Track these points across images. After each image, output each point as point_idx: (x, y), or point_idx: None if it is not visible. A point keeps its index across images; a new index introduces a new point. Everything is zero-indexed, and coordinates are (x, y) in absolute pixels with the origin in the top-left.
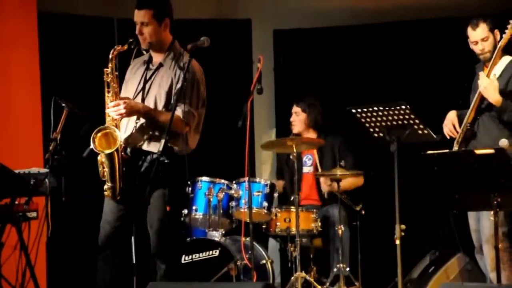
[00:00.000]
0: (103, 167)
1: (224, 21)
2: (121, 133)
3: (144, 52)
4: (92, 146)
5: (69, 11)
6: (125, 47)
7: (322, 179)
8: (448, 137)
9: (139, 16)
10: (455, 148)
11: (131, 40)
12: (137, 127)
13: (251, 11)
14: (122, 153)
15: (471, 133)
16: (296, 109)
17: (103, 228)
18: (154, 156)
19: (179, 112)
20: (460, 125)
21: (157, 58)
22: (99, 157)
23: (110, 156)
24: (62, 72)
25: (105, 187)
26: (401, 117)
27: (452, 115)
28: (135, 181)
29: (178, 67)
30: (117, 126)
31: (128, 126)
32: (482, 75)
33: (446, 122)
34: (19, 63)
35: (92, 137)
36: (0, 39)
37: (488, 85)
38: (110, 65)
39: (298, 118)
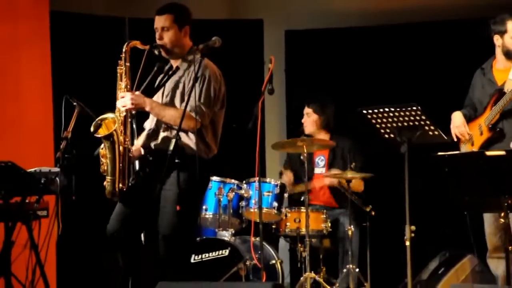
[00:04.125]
0: (104, 160)
1: (236, 22)
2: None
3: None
4: (92, 130)
5: (81, 11)
6: (147, 46)
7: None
8: (456, 140)
9: (160, 21)
10: (469, 150)
11: (155, 44)
12: (157, 127)
13: (263, 11)
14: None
15: (498, 135)
16: (307, 110)
17: (108, 225)
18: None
19: (188, 108)
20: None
21: (174, 64)
22: (101, 151)
23: (111, 144)
24: (73, 71)
25: (105, 182)
26: (412, 118)
27: (462, 117)
28: (152, 183)
29: (192, 67)
30: (125, 119)
31: (152, 129)
32: None
33: (458, 124)
34: (31, 61)
35: (94, 123)
36: (12, 38)
37: None
38: (123, 56)
39: (309, 119)
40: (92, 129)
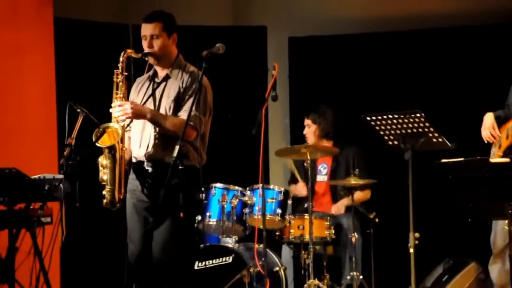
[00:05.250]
0: (103, 169)
1: (240, 28)
2: (136, 147)
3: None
4: (93, 139)
5: (85, 18)
6: (139, 55)
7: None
8: (486, 142)
9: (149, 29)
10: (498, 154)
11: (146, 52)
12: (155, 139)
13: (266, 18)
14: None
15: None
16: (307, 121)
17: (129, 248)
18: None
19: (185, 116)
20: (498, 128)
21: (162, 72)
22: (99, 159)
23: (112, 155)
24: (77, 77)
25: (104, 192)
26: (416, 125)
27: (492, 119)
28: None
29: (185, 76)
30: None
31: (143, 139)
32: None
33: (485, 126)
34: (35, 68)
35: (94, 132)
36: (16, 45)
37: None
38: (120, 65)
39: (310, 130)
40: (94, 137)
